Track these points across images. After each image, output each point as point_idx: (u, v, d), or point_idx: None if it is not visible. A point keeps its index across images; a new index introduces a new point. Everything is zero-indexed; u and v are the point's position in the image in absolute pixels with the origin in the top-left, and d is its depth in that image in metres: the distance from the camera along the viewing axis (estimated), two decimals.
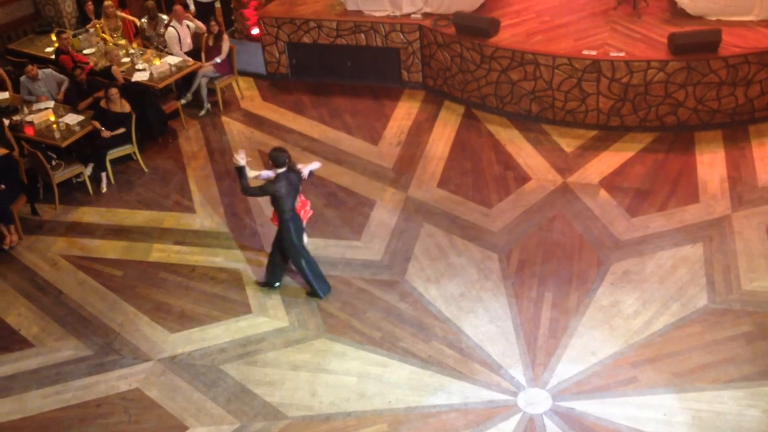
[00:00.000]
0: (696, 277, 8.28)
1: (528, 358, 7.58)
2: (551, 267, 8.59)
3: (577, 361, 7.49)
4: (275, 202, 8.07)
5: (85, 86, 10.78)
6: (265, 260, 8.76)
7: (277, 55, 12.53)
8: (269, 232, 9.39)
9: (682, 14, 11.06)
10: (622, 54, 10.37)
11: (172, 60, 11.69)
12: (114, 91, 10.34)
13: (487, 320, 8.02)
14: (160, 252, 9.28)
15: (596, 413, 6.99)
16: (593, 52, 10.45)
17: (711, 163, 9.90)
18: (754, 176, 9.61)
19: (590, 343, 7.67)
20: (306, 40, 12.24)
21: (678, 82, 10.25)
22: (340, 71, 12.37)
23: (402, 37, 11.78)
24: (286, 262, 8.50)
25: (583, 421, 6.94)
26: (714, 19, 10.88)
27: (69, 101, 10.86)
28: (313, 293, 8.44)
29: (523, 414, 7.06)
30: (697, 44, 10.17)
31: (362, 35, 11.93)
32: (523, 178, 9.97)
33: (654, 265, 8.48)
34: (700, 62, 10.12)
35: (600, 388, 7.22)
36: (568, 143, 10.54)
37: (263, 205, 9.83)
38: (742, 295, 8.02)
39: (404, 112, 11.59)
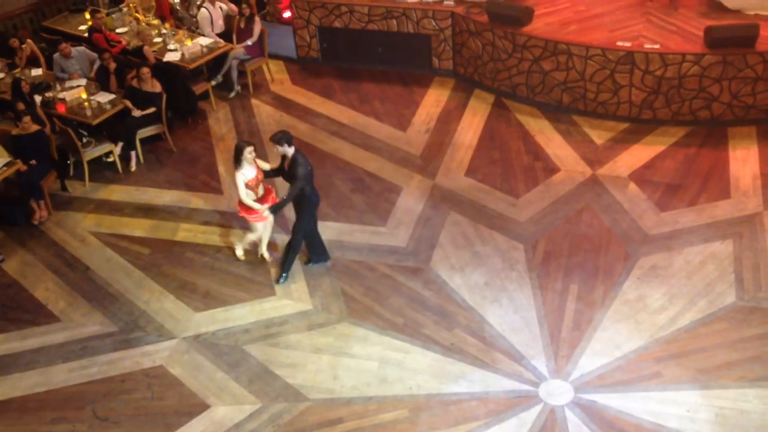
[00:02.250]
0: (725, 273, 8.18)
1: (551, 350, 7.54)
2: (577, 259, 8.52)
3: (601, 354, 7.43)
4: (302, 180, 8.03)
5: (112, 72, 10.82)
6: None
7: (308, 39, 12.52)
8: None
9: (719, 7, 10.89)
10: (656, 46, 10.23)
11: (203, 41, 11.73)
12: (145, 70, 10.40)
13: (511, 310, 7.99)
14: (187, 232, 9.34)
15: (618, 407, 6.93)
16: (627, 44, 10.32)
17: (744, 159, 9.75)
18: None
19: (615, 336, 7.61)
20: (337, 24, 12.22)
21: (713, 77, 10.09)
22: (371, 57, 12.33)
23: (434, 23, 11.71)
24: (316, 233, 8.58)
25: (605, 415, 6.89)
26: (752, 13, 10.69)
27: (100, 80, 10.94)
28: (285, 266, 8.53)
29: (545, 405, 7.03)
30: (734, 38, 10.00)
31: (394, 21, 11.88)
32: (551, 169, 9.90)
33: (682, 261, 8.38)
34: (737, 57, 9.96)
35: (623, 382, 7.16)
36: (598, 135, 10.44)
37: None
38: None
39: (434, 100, 11.53)
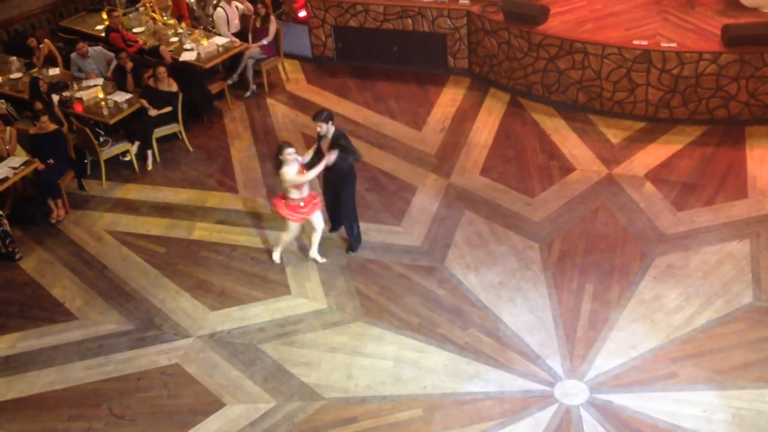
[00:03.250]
0: (742, 273, 8.12)
1: (566, 349, 7.51)
2: (593, 259, 8.49)
3: (617, 354, 7.40)
4: (352, 148, 8.31)
5: (129, 71, 10.88)
6: (306, 240, 8.84)
7: (324, 38, 12.54)
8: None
9: (736, 6, 10.80)
10: (673, 45, 10.17)
11: (219, 40, 11.77)
12: (162, 70, 10.46)
13: (526, 310, 7.97)
14: (203, 230, 9.39)
15: (634, 407, 6.90)
16: (644, 42, 10.26)
17: (762, 159, 9.68)
18: None
19: (630, 336, 7.57)
20: (353, 23, 12.23)
21: (730, 75, 10.02)
22: (386, 56, 12.33)
23: (449, 22, 11.70)
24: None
25: (620, 415, 6.86)
26: None
27: (117, 79, 11.01)
28: (352, 248, 8.82)
29: (560, 405, 7.01)
30: (752, 37, 9.92)
31: (409, 20, 11.88)
32: (567, 169, 9.86)
33: (699, 260, 8.33)
34: (754, 55, 9.88)
35: (639, 382, 7.13)
36: (614, 134, 10.39)
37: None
38: None
39: (449, 99, 11.52)
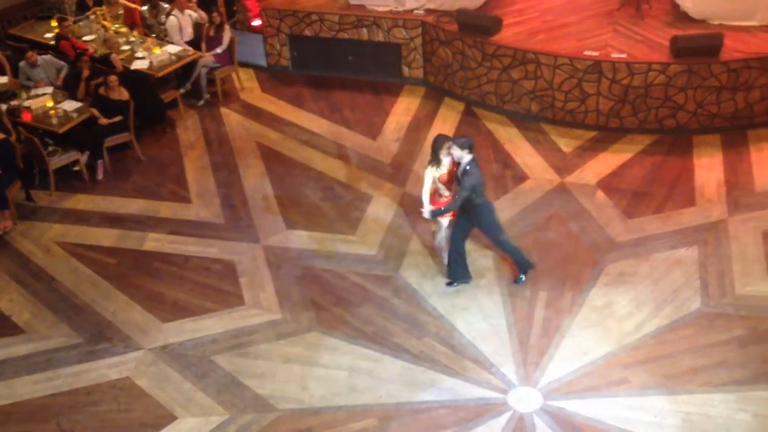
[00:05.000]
0: (690, 280, 8.27)
1: (520, 357, 7.56)
2: (546, 266, 8.57)
3: (569, 361, 7.48)
4: (467, 190, 7.75)
5: (83, 79, 10.70)
6: (259, 252, 8.78)
7: (279, 47, 12.50)
8: (264, 224, 9.39)
9: (684, 17, 11.04)
10: (623, 55, 10.35)
11: (172, 49, 11.65)
12: (113, 78, 10.32)
13: (480, 318, 8.01)
14: (155, 241, 9.26)
15: (586, 413, 6.97)
16: (595, 53, 10.42)
17: (709, 167, 9.89)
18: (751, 181, 9.60)
19: (583, 343, 7.66)
20: (308, 33, 12.21)
21: (678, 85, 10.23)
22: (341, 65, 12.33)
23: (404, 32, 11.75)
24: (463, 256, 8.31)
25: (573, 421, 6.93)
26: (716, 23, 10.85)
27: (67, 88, 10.82)
28: (521, 270, 8.35)
29: (514, 412, 7.05)
30: (699, 48, 10.15)
31: (364, 30, 11.90)
32: (520, 177, 9.96)
33: (649, 267, 8.46)
34: (701, 66, 10.10)
35: (591, 388, 7.21)
36: (566, 143, 10.52)
37: (258, 197, 9.82)
38: (736, 299, 8.01)
39: (404, 108, 11.56)
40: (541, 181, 9.85)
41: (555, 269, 8.53)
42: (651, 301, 8.05)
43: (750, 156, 10.04)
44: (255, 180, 10.17)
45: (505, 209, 9.41)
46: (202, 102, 11.87)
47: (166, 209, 9.76)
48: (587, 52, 10.46)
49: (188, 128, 11.38)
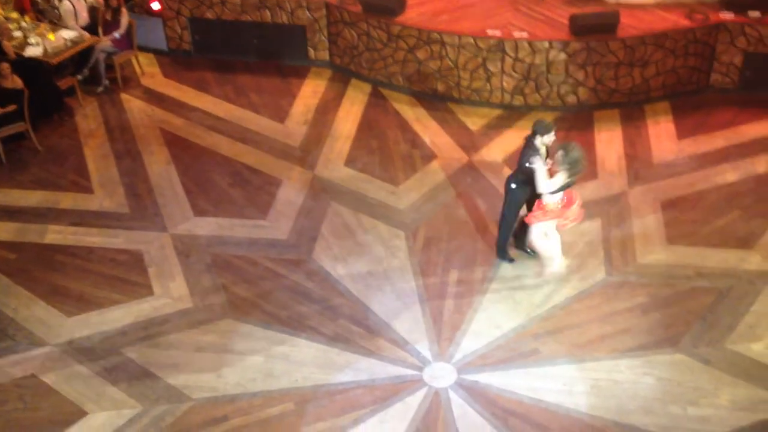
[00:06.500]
0: (595, 251, 8.54)
1: (434, 334, 7.66)
2: (457, 244, 8.69)
3: (482, 335, 7.62)
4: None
5: None
6: (167, 241, 8.61)
7: (179, 30, 12.18)
8: (171, 213, 9.18)
9: None
10: (525, 34, 10.54)
11: (67, 34, 11.20)
12: (5, 66, 9.84)
13: (393, 297, 8.06)
14: (57, 234, 8.92)
15: (499, 385, 7.13)
16: (497, 32, 10.57)
17: (609, 141, 10.21)
18: (649, 153, 9.96)
19: (494, 317, 7.81)
20: (209, 15, 11.93)
21: (578, 62, 10.49)
22: (245, 48, 12.12)
23: (308, 14, 11.63)
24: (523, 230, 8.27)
25: (487, 394, 7.07)
26: (613, 1, 11.16)
27: None
28: (499, 254, 8.41)
29: (429, 388, 7.14)
30: (597, 25, 10.44)
31: (267, 11, 11.72)
32: (429, 157, 10.04)
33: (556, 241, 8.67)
34: (600, 43, 10.39)
35: (503, 360, 7.37)
36: (473, 122, 10.66)
37: (164, 185, 9.58)
38: (638, 268, 8.32)
39: (311, 91, 11.47)
40: (449, 160, 9.95)
41: (465, 246, 8.65)
42: (558, 273, 8.26)
43: (648, 129, 10.42)
44: (160, 167, 9.92)
45: (414, 189, 9.49)
46: (101, 88, 11.47)
47: (67, 200, 9.41)
48: (489, 31, 10.60)
49: (88, 116, 10.98)
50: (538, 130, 7.78)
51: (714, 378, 7.14)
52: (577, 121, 10.61)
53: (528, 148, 7.85)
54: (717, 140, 10.15)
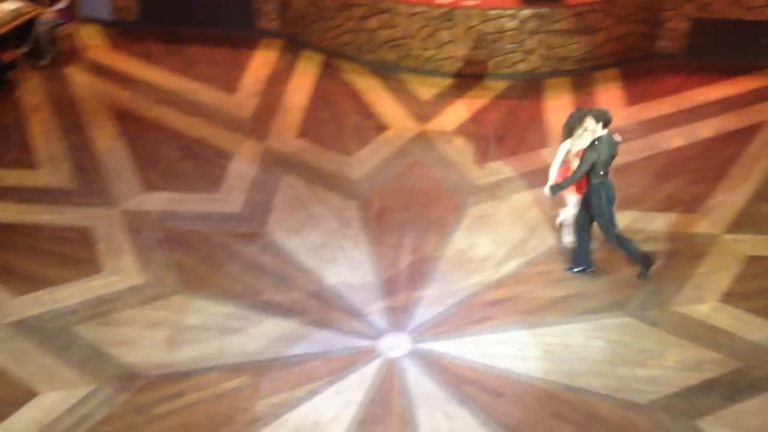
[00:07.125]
0: (547, 217, 8.63)
1: (388, 304, 7.69)
2: (410, 213, 8.71)
3: (436, 304, 7.67)
4: (586, 164, 7.27)
5: None
6: (117, 217, 8.46)
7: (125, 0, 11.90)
8: (120, 188, 9.03)
9: None
10: (476, 2, 10.52)
11: (8, 5, 10.90)
12: None
13: (347, 268, 8.07)
14: (2, 212, 8.72)
15: (453, 353, 7.20)
16: (448, 0, 10.53)
17: (558, 109, 10.28)
18: None
19: (448, 285, 7.87)
20: None
21: (529, 30, 10.52)
22: (194, 18, 11.91)
23: None
24: (590, 239, 7.83)
25: (441, 362, 7.14)
26: None
27: None
28: (642, 265, 7.80)
29: (384, 358, 7.19)
30: None
31: None
32: (381, 127, 10.02)
33: (507, 208, 8.76)
34: (550, 10, 10.42)
35: (456, 328, 7.44)
36: (425, 91, 10.65)
37: (112, 160, 9.41)
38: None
39: (261, 62, 11.33)
40: (401, 130, 9.94)
41: (419, 216, 8.68)
42: (510, 240, 8.35)
43: (598, 96, 10.53)
44: (107, 142, 9.74)
45: (367, 159, 9.47)
46: (45, 61, 11.18)
47: (11, 177, 9.20)
48: (441, 0, 10.57)
49: (31, 90, 10.71)
50: (605, 119, 7.32)
51: (661, 340, 7.30)
52: (528, 89, 10.66)
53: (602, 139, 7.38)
54: (664, 106, 10.30)
